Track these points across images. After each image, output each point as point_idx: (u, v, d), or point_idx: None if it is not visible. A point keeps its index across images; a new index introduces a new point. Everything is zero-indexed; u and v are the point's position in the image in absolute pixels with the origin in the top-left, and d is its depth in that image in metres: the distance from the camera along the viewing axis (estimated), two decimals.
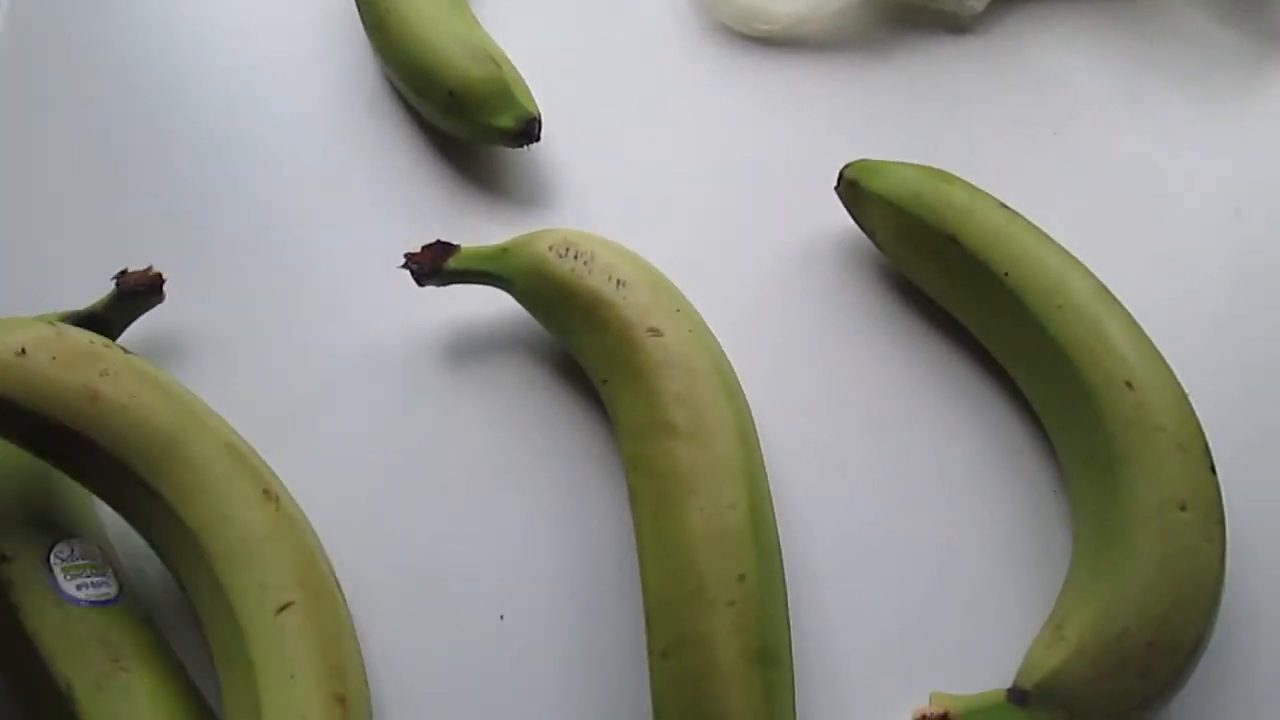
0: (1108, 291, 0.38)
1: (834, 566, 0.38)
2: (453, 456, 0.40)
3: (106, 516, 0.38)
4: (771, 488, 0.37)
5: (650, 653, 0.33)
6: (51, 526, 0.36)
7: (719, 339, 0.39)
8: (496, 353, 0.42)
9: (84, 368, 0.34)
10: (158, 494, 0.34)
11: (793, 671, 0.34)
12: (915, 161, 0.42)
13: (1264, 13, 0.49)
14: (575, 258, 0.39)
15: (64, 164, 0.47)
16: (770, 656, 0.33)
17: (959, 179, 0.41)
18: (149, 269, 0.40)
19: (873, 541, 0.38)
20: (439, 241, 0.40)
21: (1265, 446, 0.40)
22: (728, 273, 0.43)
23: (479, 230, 0.44)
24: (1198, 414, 0.36)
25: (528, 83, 0.45)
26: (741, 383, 0.38)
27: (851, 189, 0.42)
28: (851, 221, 0.42)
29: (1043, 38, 0.49)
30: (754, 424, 0.37)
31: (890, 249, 0.42)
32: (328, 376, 0.42)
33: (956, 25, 0.49)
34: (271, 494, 0.35)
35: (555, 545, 0.38)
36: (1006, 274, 0.38)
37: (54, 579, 0.35)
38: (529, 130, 0.43)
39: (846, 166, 0.42)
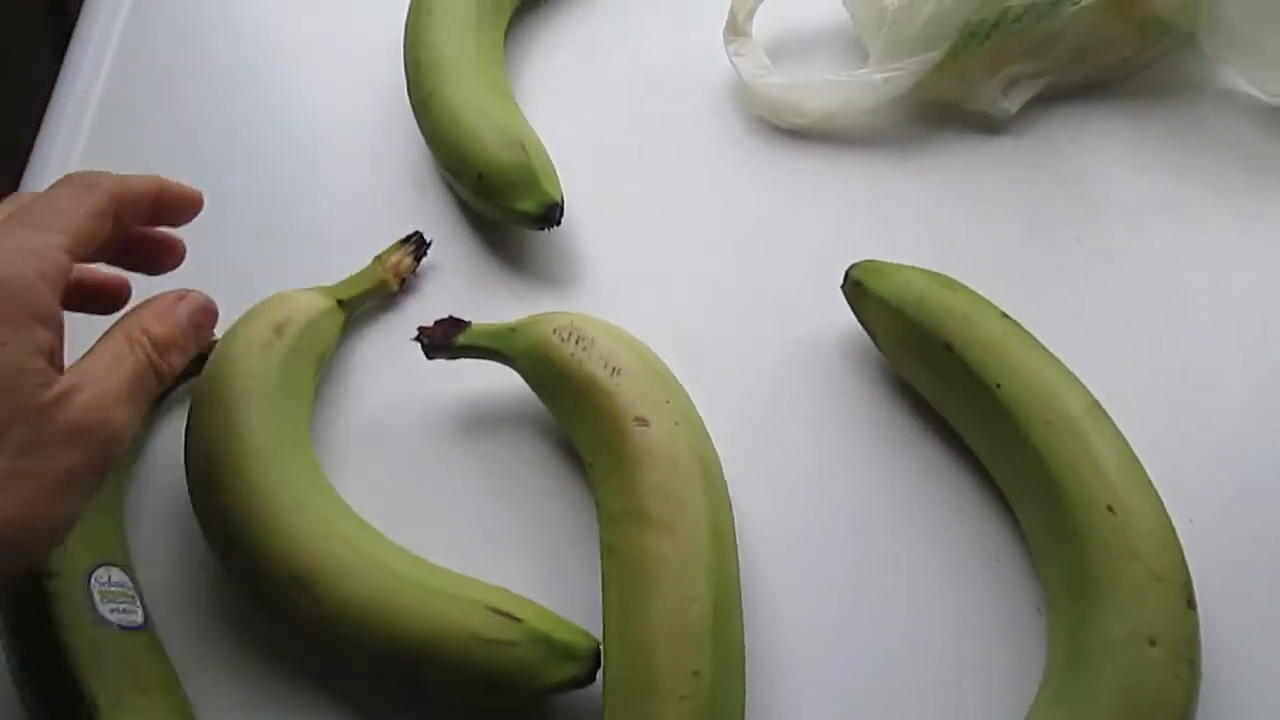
0: (1100, 410, 0.37)
1: (807, 660, 0.38)
2: (444, 527, 0.42)
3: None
4: (750, 578, 0.38)
5: None
6: (92, 552, 0.39)
7: (714, 425, 0.40)
8: (496, 428, 0.44)
9: None
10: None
11: None
12: (930, 263, 0.42)
13: None
14: (576, 342, 0.40)
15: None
16: None
17: (963, 286, 0.41)
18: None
19: (848, 638, 0.38)
20: (450, 317, 0.42)
21: (1260, 583, 0.38)
22: (730, 360, 0.44)
23: (500, 307, 0.46)
24: (1185, 545, 0.35)
25: (562, 164, 0.47)
26: (729, 471, 0.39)
27: (856, 289, 0.42)
28: (856, 320, 0.43)
29: (1077, 141, 0.49)
30: (733, 519, 0.38)
31: (890, 351, 0.42)
32: (339, 446, 0.44)
33: (990, 126, 0.49)
34: None
35: None
36: (999, 385, 0.38)
37: (92, 600, 0.38)
38: (550, 215, 0.45)
39: (853, 266, 0.43)
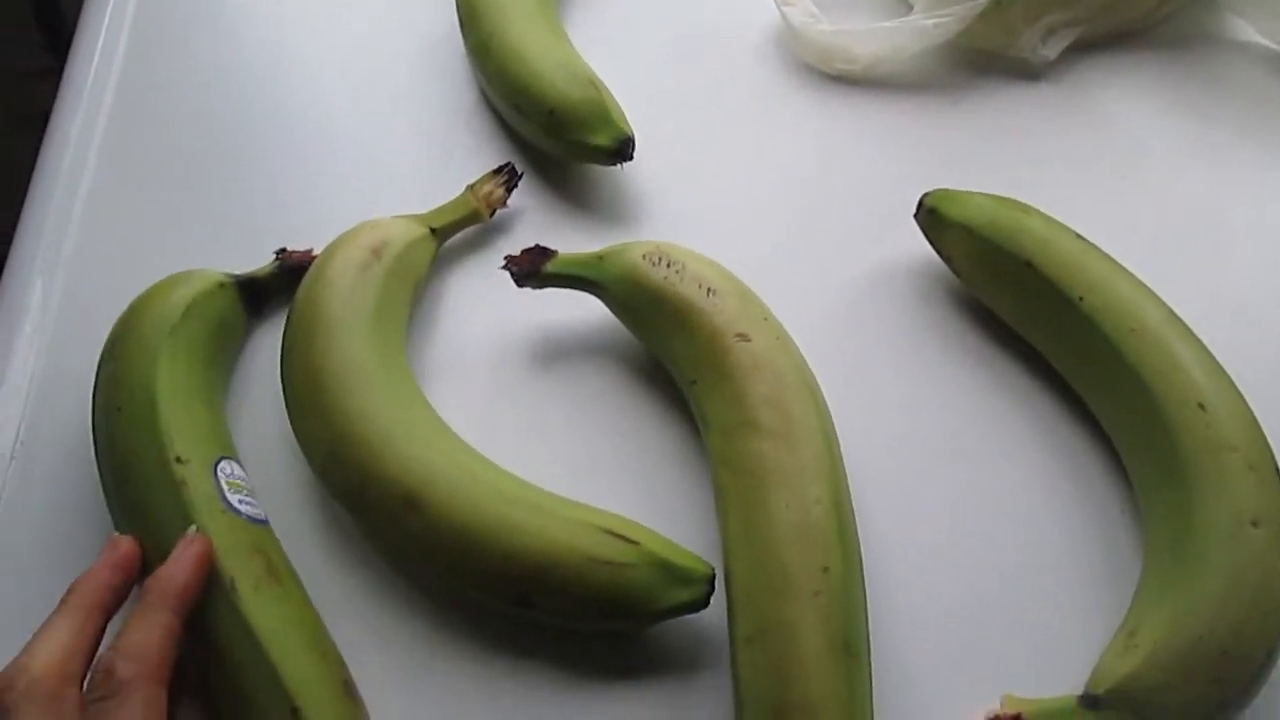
0: (1178, 318, 0.39)
1: (908, 571, 0.39)
2: (541, 455, 0.42)
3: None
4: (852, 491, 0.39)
5: (733, 640, 0.35)
6: (215, 444, 0.38)
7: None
8: (582, 357, 0.44)
9: None
10: None
11: (870, 666, 0.35)
12: None
13: None
14: (668, 266, 0.41)
15: (208, 155, 0.50)
16: (851, 648, 0.34)
17: (1035, 209, 0.42)
18: (309, 250, 0.43)
19: (946, 550, 0.40)
20: (537, 246, 0.42)
21: None
22: (807, 293, 0.45)
23: (570, 242, 0.46)
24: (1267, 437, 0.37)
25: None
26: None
27: (931, 216, 0.44)
28: (928, 248, 0.44)
29: (1112, 87, 0.51)
30: (835, 429, 0.39)
31: (967, 275, 0.44)
32: (432, 373, 0.44)
33: (1029, 72, 0.52)
34: None
35: None
36: (1081, 299, 0.40)
37: (220, 489, 0.37)
38: (624, 149, 0.45)
39: (926, 194, 0.44)
